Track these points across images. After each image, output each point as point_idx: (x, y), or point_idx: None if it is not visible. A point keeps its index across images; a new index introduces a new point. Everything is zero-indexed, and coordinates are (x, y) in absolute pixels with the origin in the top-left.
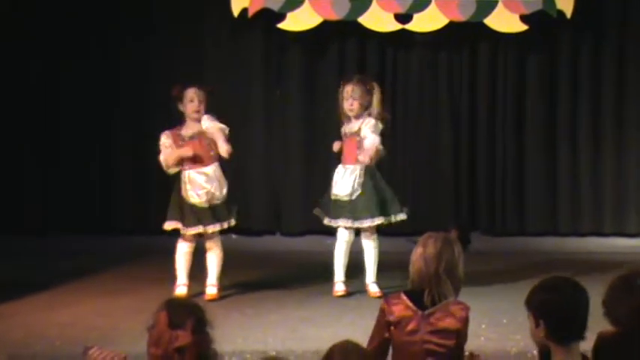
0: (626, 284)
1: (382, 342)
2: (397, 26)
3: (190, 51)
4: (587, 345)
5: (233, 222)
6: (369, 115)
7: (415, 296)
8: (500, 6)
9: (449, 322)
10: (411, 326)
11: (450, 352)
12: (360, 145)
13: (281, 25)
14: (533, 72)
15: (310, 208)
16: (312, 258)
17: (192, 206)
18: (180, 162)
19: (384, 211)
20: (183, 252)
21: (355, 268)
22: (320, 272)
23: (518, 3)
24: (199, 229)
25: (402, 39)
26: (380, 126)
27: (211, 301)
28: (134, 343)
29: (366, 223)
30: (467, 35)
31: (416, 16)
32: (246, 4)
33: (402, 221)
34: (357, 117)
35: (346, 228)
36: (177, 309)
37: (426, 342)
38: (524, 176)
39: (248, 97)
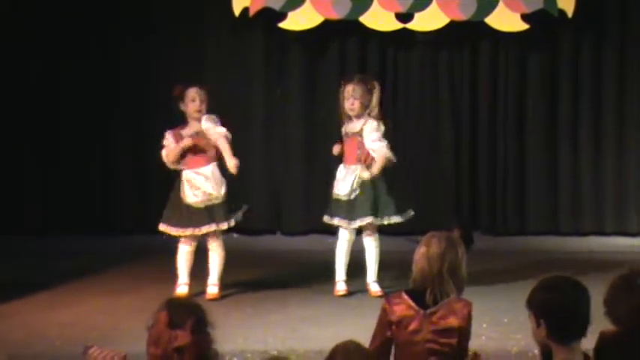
0: (627, 284)
1: (384, 341)
2: (398, 25)
3: (190, 51)
4: (588, 344)
5: (232, 223)
6: (369, 114)
7: (417, 296)
8: (501, 5)
9: (451, 321)
10: (413, 326)
11: (452, 351)
12: (360, 145)
13: (282, 25)
14: (534, 71)
15: (311, 207)
16: (313, 257)
17: (189, 206)
18: (181, 159)
19: (375, 212)
20: (184, 251)
21: (356, 267)
22: (321, 271)
23: (519, 2)
24: (193, 230)
25: (403, 38)
26: (382, 127)
27: (212, 300)
28: (135, 343)
29: (357, 223)
30: (468, 34)
31: (417, 16)
32: (247, 4)
33: (398, 223)
34: (358, 116)
35: (343, 227)
36: (177, 309)
37: (429, 341)
38: (525, 175)
39: (249, 96)
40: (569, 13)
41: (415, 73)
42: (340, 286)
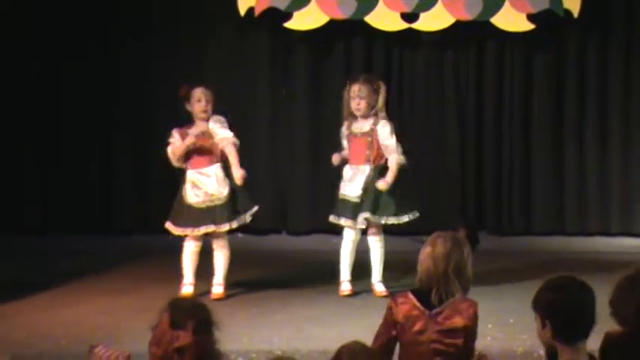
0: (633, 284)
1: (388, 340)
2: (403, 25)
3: (190, 51)
4: (594, 345)
5: (234, 225)
6: (376, 115)
7: (422, 296)
8: (507, 5)
9: (456, 321)
10: (418, 326)
11: (458, 352)
12: (370, 145)
13: (287, 24)
14: (540, 71)
15: (316, 207)
16: (318, 257)
17: (190, 206)
18: (186, 159)
19: (375, 210)
20: (189, 251)
21: (361, 267)
22: (326, 271)
23: (525, 2)
24: (193, 230)
25: (409, 38)
26: (392, 127)
27: (218, 300)
28: (136, 342)
29: (359, 220)
30: (473, 34)
31: (422, 15)
32: (252, 3)
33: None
34: (364, 116)
35: (350, 228)
36: (179, 310)
37: (434, 342)
38: (530, 175)
39: (254, 96)
40: (575, 13)
41: (421, 73)
42: (345, 286)
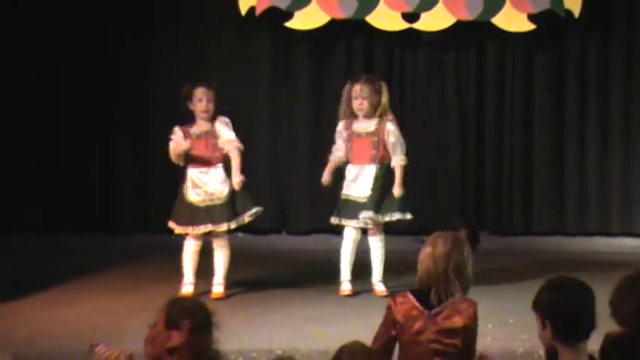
0: (633, 284)
1: (388, 340)
2: (404, 25)
3: (190, 51)
4: (594, 345)
5: (233, 225)
6: (381, 115)
7: (422, 296)
8: (507, 5)
9: (456, 321)
10: (417, 326)
11: (457, 352)
12: (376, 145)
13: (288, 24)
14: (540, 71)
15: (316, 207)
16: (318, 257)
17: (190, 204)
18: (188, 156)
19: (378, 209)
20: (190, 250)
21: (361, 267)
22: (326, 271)
23: (525, 2)
24: (192, 229)
25: (410, 38)
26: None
27: (218, 299)
28: (138, 341)
29: (361, 219)
30: (474, 34)
31: (423, 15)
32: (253, 3)
33: (400, 221)
34: (367, 116)
35: (353, 227)
36: (175, 310)
37: (433, 342)
38: (531, 175)
39: (255, 96)
40: (576, 13)
41: (421, 73)
42: (345, 285)
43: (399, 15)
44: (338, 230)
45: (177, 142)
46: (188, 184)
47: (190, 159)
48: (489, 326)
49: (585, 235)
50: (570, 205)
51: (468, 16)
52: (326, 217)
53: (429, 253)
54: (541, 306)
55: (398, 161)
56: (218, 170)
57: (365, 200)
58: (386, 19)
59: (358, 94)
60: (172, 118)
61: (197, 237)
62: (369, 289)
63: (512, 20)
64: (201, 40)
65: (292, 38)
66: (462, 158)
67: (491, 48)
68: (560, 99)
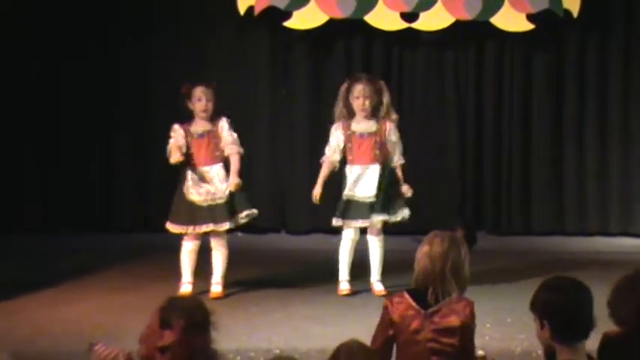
0: (631, 284)
1: (386, 340)
2: (403, 25)
3: (190, 51)
4: (592, 345)
5: (232, 225)
6: (385, 116)
7: (418, 295)
8: (506, 5)
9: (452, 320)
10: (414, 326)
11: (455, 351)
12: (381, 146)
13: (287, 24)
14: (539, 71)
15: (316, 206)
16: (317, 256)
17: (191, 204)
18: (189, 155)
19: (388, 210)
20: (188, 250)
21: (360, 266)
22: (325, 271)
23: (524, 2)
24: (194, 228)
25: (408, 38)
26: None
27: (216, 299)
28: (136, 341)
29: (374, 219)
30: (473, 34)
31: (422, 15)
32: (252, 3)
33: (404, 220)
34: (368, 116)
35: (356, 227)
36: (170, 309)
37: (430, 341)
38: (530, 175)
39: (254, 95)
40: (575, 13)
41: (420, 72)
42: (344, 285)
43: (397, 14)
44: (337, 230)
45: (177, 140)
46: (189, 182)
47: (191, 158)
48: (488, 326)
49: (584, 235)
50: (569, 205)
51: (466, 15)
52: (325, 217)
53: (425, 252)
54: (539, 306)
55: (400, 160)
56: (219, 170)
57: (371, 200)
58: (385, 18)
59: (361, 94)
60: (172, 118)
61: (196, 236)
62: (367, 289)
63: (511, 20)
64: (201, 40)
65: (291, 38)
66: (461, 158)
67: (490, 48)
68: (558, 99)
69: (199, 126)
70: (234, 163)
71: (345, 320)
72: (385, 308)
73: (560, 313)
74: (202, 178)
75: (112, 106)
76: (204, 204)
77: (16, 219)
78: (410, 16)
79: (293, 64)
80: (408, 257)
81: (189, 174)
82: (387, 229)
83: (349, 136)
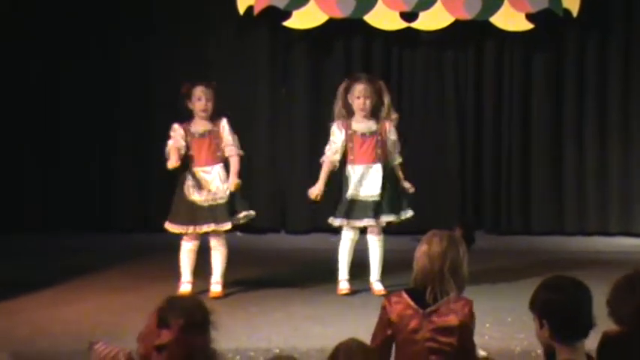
0: (631, 284)
1: (385, 339)
2: (403, 24)
3: (190, 51)
4: (592, 345)
5: (229, 226)
6: (385, 116)
7: (417, 295)
8: (506, 4)
9: (451, 320)
10: (412, 325)
11: (453, 350)
12: (382, 144)
13: (286, 23)
14: (539, 71)
15: (315, 206)
16: (316, 256)
17: (193, 203)
18: (189, 155)
19: (396, 210)
20: (187, 250)
21: (359, 266)
22: (324, 270)
23: (524, 1)
24: (195, 228)
25: (408, 37)
26: None
27: (216, 298)
28: (136, 340)
29: (384, 219)
30: (473, 34)
31: (421, 15)
32: (251, 2)
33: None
34: (367, 116)
35: (355, 227)
36: (168, 309)
37: (429, 340)
38: (529, 175)
39: (254, 95)
40: (574, 12)
41: (420, 72)
42: (343, 285)
43: (397, 14)
44: (337, 230)
45: (176, 141)
46: (190, 182)
47: (192, 158)
48: (487, 325)
49: (584, 234)
50: (569, 205)
51: (466, 15)
52: (325, 217)
53: (424, 251)
54: (538, 306)
55: (399, 159)
56: (220, 170)
57: (375, 199)
58: (384, 18)
59: (362, 94)
60: (172, 118)
61: (195, 236)
62: (367, 288)
63: (510, 19)
64: (201, 40)
65: (290, 37)
66: (461, 157)
67: (490, 47)
68: (558, 98)
69: (199, 126)
70: (234, 165)
71: (344, 320)
72: (383, 308)
73: (560, 312)
74: (200, 181)
75: (112, 106)
76: (205, 204)
77: (16, 219)
78: (409, 16)
79: (293, 64)
80: (408, 257)
81: (190, 174)
82: (387, 229)
83: (350, 136)
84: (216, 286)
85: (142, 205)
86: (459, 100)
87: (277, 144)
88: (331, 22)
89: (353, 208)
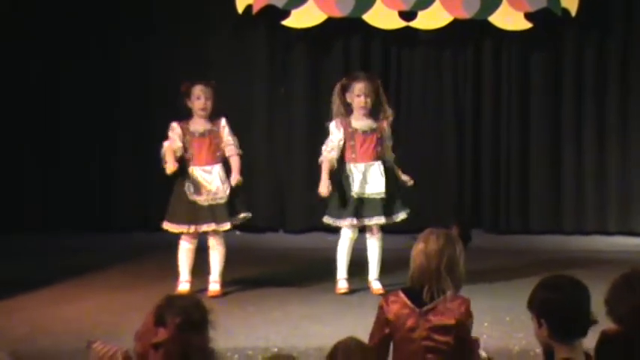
0: (629, 283)
1: (383, 338)
2: (401, 24)
3: (191, 51)
4: (590, 343)
5: (229, 226)
6: (383, 115)
7: (413, 294)
8: (504, 4)
9: (447, 319)
10: (409, 324)
11: (450, 349)
12: (380, 142)
13: (285, 22)
14: (537, 70)
15: (314, 205)
16: (315, 255)
17: (194, 203)
18: (189, 155)
19: (402, 206)
20: (185, 249)
21: (357, 265)
22: (323, 269)
23: (522, 1)
24: (195, 228)
25: (406, 36)
26: None
27: (214, 297)
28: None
29: (401, 216)
30: (471, 33)
31: (420, 14)
32: (250, 1)
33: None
34: (366, 114)
35: (353, 226)
36: (166, 307)
37: (425, 339)
38: (528, 174)
39: (252, 94)
40: (573, 12)
41: (418, 71)
42: (342, 284)
43: (395, 13)
44: (335, 229)
45: (173, 141)
46: (190, 182)
47: (191, 158)
48: (485, 324)
49: (582, 234)
50: (567, 204)
51: (464, 14)
52: (323, 216)
53: (421, 249)
54: (536, 305)
55: (393, 155)
56: (219, 170)
57: (382, 197)
58: (383, 17)
59: (362, 92)
60: (172, 118)
61: (193, 235)
62: (365, 287)
63: (509, 19)
64: (201, 40)
65: (289, 37)
66: (459, 157)
67: (488, 47)
68: (557, 98)
69: (199, 125)
70: (236, 163)
71: (343, 319)
72: (380, 308)
73: (558, 311)
74: (198, 187)
75: (112, 106)
76: (205, 203)
77: (16, 219)
78: (408, 15)
79: (291, 63)
80: (406, 256)
81: (191, 173)
82: (385, 228)
83: (351, 134)
84: (214, 285)
85: (142, 205)
86: (458, 99)
87: (276, 143)
88: (330, 21)
89: (362, 207)
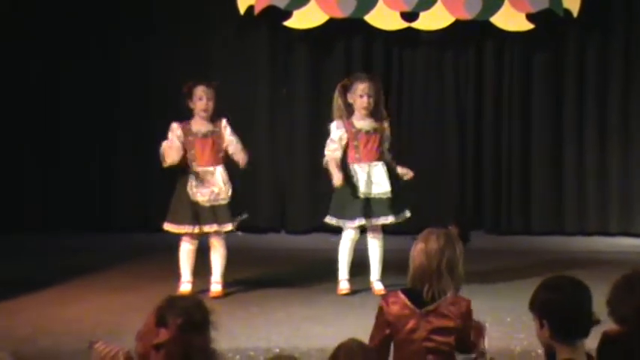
0: (630, 284)
1: (383, 339)
2: (403, 24)
3: (191, 51)
4: (592, 344)
5: (230, 227)
6: (384, 117)
7: (413, 294)
8: (506, 4)
9: (448, 320)
10: (409, 325)
11: (451, 350)
12: (382, 142)
13: (287, 23)
14: (539, 70)
15: (316, 206)
16: (316, 256)
17: (195, 204)
18: (191, 155)
19: (405, 205)
20: (186, 249)
21: (359, 266)
22: (324, 270)
23: (524, 1)
24: (197, 228)
25: (408, 37)
26: None
27: (216, 298)
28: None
29: (407, 214)
30: (473, 34)
31: (422, 15)
32: (252, 2)
33: (405, 219)
34: (368, 114)
35: (355, 227)
36: (167, 307)
37: (426, 340)
38: (529, 175)
39: (254, 95)
40: (575, 12)
41: (420, 72)
42: (343, 284)
43: (397, 14)
44: (337, 229)
45: (172, 142)
46: (192, 182)
47: (193, 158)
48: (487, 325)
49: (584, 234)
50: (569, 205)
51: (466, 15)
52: (325, 217)
53: (421, 249)
54: (538, 305)
55: (390, 155)
56: (222, 171)
57: (389, 196)
58: (385, 18)
59: (365, 92)
60: (172, 118)
61: (195, 236)
62: (367, 288)
63: (510, 19)
64: (201, 40)
65: (291, 37)
66: (461, 158)
67: (490, 47)
68: (558, 98)
69: (201, 126)
70: (242, 161)
71: (345, 320)
72: (380, 309)
73: (560, 312)
74: (203, 181)
75: (112, 106)
76: (208, 204)
77: (16, 219)
78: (410, 16)
79: (293, 64)
80: (407, 256)
81: (193, 174)
82: (386, 229)
83: (355, 134)
84: (216, 286)
85: (142, 205)
86: (459, 100)
87: (277, 144)
88: (332, 22)
89: (369, 207)
